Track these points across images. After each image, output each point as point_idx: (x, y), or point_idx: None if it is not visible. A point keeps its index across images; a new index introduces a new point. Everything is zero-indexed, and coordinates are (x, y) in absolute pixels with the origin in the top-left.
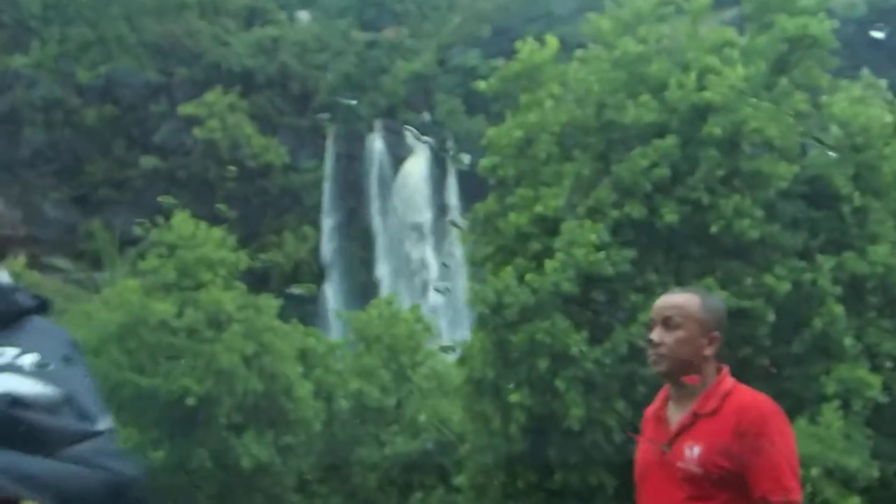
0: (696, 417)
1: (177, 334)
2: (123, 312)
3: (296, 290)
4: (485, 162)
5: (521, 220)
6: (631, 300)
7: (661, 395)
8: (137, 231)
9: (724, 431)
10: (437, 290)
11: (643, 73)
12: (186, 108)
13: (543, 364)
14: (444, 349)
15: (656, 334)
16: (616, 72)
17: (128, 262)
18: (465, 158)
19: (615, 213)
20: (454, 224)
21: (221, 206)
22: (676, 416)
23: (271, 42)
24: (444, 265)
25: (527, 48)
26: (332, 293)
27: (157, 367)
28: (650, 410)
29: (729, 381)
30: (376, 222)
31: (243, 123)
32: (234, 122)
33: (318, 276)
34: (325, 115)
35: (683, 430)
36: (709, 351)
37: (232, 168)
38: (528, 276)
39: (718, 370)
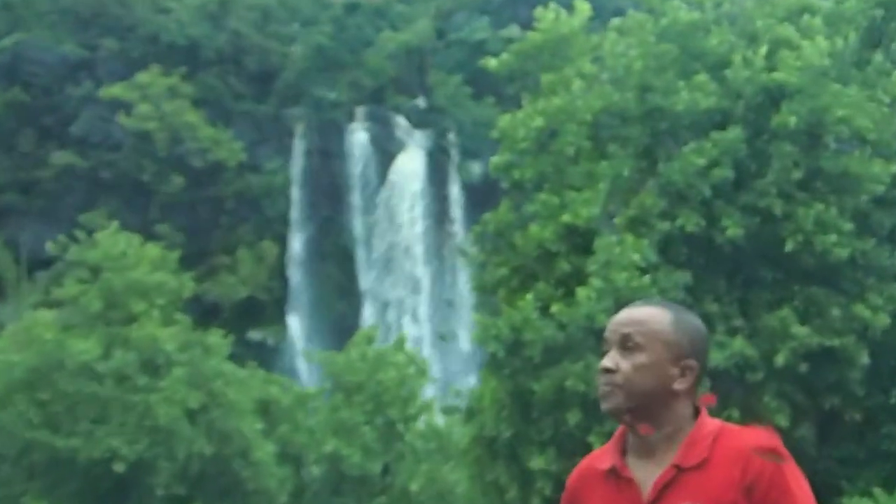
0: (679, 472)
1: (102, 381)
2: (33, 353)
3: (254, 334)
4: (496, 159)
5: (543, 235)
6: None
7: (612, 444)
8: (51, 249)
9: (727, 485)
10: (442, 339)
11: (699, 46)
12: (112, 91)
13: (574, 418)
14: (448, 410)
15: (609, 359)
16: (664, 45)
17: (39, 289)
18: (476, 168)
19: (664, 226)
20: (461, 251)
21: (163, 227)
22: (646, 473)
23: (221, 7)
24: (448, 304)
25: (550, 15)
26: (300, 327)
27: (77, 424)
28: (593, 467)
29: (713, 422)
30: (358, 236)
31: (186, 110)
32: (175, 108)
33: (283, 306)
34: (295, 109)
35: (664, 490)
36: (680, 384)
37: (177, 179)
38: (555, 307)
39: (697, 412)
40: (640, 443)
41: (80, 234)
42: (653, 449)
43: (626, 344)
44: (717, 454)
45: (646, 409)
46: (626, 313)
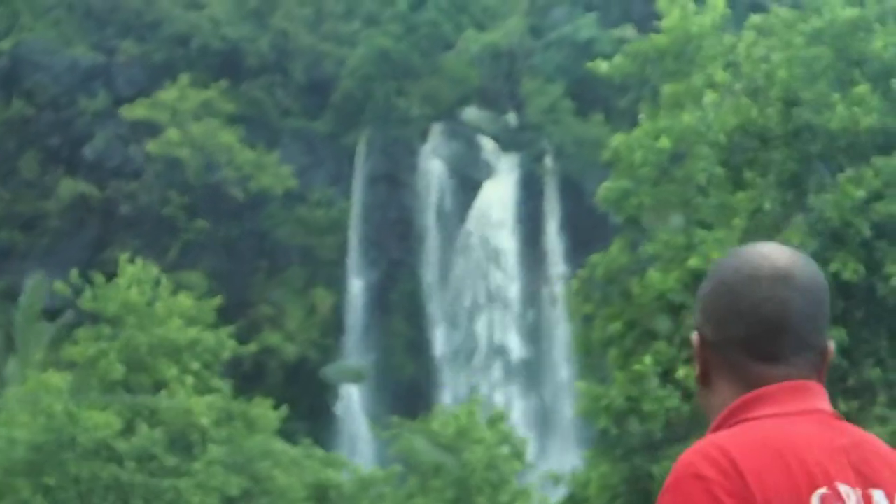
0: None
1: (122, 463)
2: (40, 428)
3: (305, 403)
4: (607, 188)
5: (666, 283)
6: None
7: None
8: (58, 290)
9: None
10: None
11: (858, 50)
12: (134, 110)
13: None
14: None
15: None
16: (815, 48)
17: (43, 347)
18: (579, 199)
19: None
20: (562, 301)
21: (192, 271)
22: None
23: (266, 2)
24: (544, 367)
25: (676, 11)
26: (360, 395)
27: None
28: None
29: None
30: (433, 283)
31: (221, 130)
32: (208, 128)
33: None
34: (356, 127)
35: None
36: (702, 365)
37: (210, 213)
38: (680, 371)
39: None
40: None
41: (96, 275)
42: None
43: None
44: None
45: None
46: None
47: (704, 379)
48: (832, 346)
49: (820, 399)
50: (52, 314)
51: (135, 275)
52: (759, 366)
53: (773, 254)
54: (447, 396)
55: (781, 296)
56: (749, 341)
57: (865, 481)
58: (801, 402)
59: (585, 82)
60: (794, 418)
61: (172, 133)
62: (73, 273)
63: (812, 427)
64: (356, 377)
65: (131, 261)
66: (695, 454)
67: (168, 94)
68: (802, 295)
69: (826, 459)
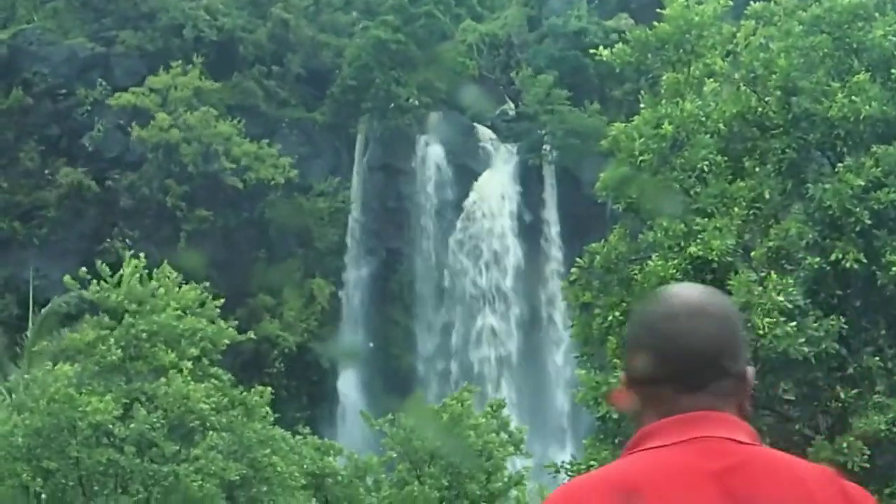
0: None
1: (122, 448)
2: (41, 414)
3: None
4: (607, 175)
5: (666, 271)
6: (840, 397)
7: None
8: (67, 284)
9: None
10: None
11: (857, 38)
12: (121, 99)
13: None
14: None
15: None
16: (814, 37)
17: (45, 336)
18: (578, 188)
19: (813, 261)
20: (561, 289)
21: (192, 261)
22: None
23: None
24: (542, 356)
25: (678, 1)
26: (354, 381)
27: (92, 500)
28: None
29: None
30: (430, 273)
31: (218, 120)
32: (202, 117)
33: (335, 357)
34: (354, 117)
35: None
36: (626, 399)
37: (210, 203)
38: None
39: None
40: None
41: (103, 267)
42: None
43: None
44: None
45: None
46: None
47: (635, 415)
48: (751, 370)
49: (713, 426)
50: (60, 305)
51: (138, 266)
52: (684, 396)
53: (685, 291)
54: (443, 384)
55: (697, 327)
56: (673, 373)
57: (737, 501)
58: (688, 431)
59: (580, 72)
60: (670, 449)
61: (162, 117)
62: (81, 272)
63: (682, 457)
64: (351, 356)
65: (131, 249)
66: (552, 495)
67: (158, 80)
68: (717, 325)
69: (676, 489)
